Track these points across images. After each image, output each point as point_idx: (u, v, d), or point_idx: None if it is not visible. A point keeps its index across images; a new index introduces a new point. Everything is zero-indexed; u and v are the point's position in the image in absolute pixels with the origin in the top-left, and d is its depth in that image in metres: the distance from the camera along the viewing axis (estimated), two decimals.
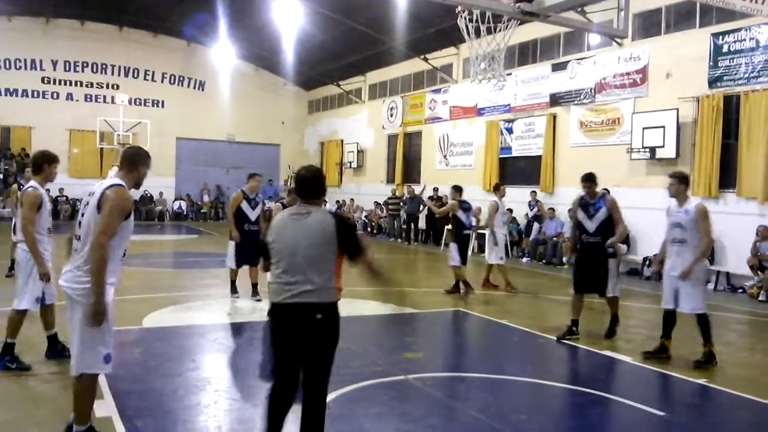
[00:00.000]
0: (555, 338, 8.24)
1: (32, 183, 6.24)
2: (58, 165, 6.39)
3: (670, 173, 7.72)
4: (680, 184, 7.31)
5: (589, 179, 8.32)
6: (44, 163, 6.26)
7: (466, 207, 11.99)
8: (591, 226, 8.23)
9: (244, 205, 10.26)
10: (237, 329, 8.60)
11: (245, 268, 10.33)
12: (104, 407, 5.21)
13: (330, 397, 5.65)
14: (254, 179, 10.46)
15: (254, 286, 10.35)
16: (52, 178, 6.29)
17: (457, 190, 11.97)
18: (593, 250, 8.18)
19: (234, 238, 10.24)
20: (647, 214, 15.03)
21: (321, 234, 3.97)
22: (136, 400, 5.53)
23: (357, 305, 10.32)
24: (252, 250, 9.66)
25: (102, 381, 5.83)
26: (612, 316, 8.41)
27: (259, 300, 10.07)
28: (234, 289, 10.48)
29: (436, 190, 21.18)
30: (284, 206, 9.19)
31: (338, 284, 4.05)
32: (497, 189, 12.83)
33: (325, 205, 6.50)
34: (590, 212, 8.27)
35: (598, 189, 8.47)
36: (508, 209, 18.88)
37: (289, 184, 31.94)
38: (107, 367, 4.31)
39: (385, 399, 5.79)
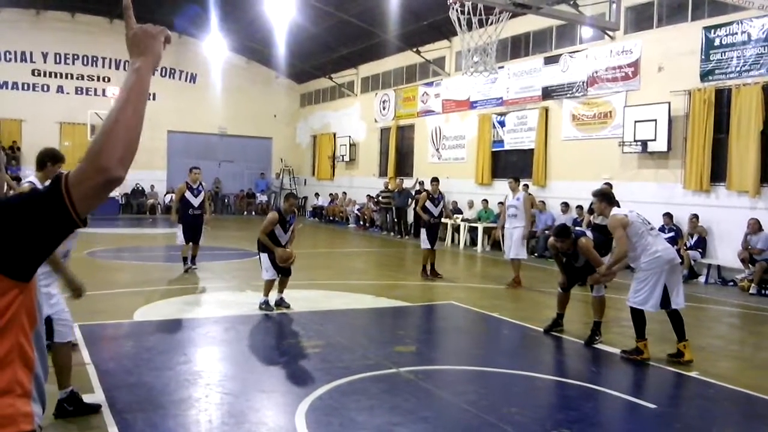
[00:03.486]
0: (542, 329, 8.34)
1: (31, 178, 5.94)
2: (62, 165, 6.25)
3: (592, 192, 7.95)
4: (600, 202, 7.51)
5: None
6: (48, 161, 5.95)
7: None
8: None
9: (188, 194, 12.17)
10: (228, 322, 8.57)
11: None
12: (95, 401, 5.18)
13: (322, 390, 5.67)
14: (193, 173, 12.43)
15: (193, 258, 12.30)
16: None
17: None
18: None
19: (174, 220, 12.46)
20: (639, 208, 15.04)
21: None
22: (127, 394, 5.51)
23: (347, 298, 10.33)
24: (195, 230, 12.09)
25: (92, 374, 5.83)
26: (594, 323, 7.88)
27: (195, 268, 12.19)
28: (186, 262, 12.23)
29: (422, 183, 21.14)
30: (280, 214, 9.03)
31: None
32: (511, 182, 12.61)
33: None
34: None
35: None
36: (499, 202, 18.95)
37: (281, 177, 31.93)
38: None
39: (376, 392, 5.79)
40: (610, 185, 12.99)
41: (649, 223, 7.43)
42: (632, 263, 7.47)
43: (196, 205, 12.16)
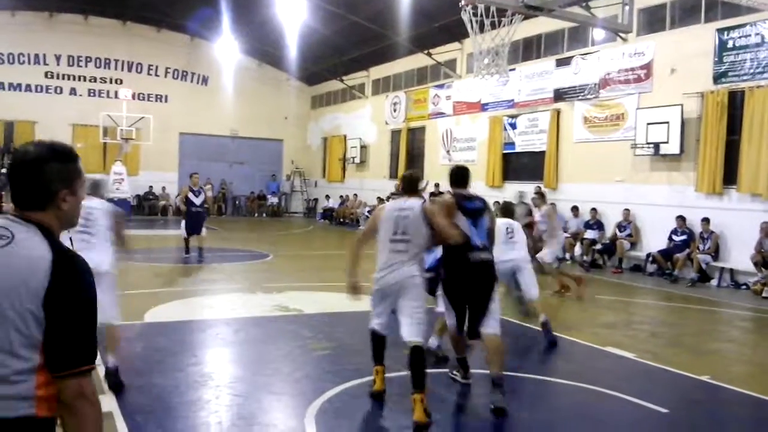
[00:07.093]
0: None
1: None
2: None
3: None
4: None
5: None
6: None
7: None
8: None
9: (190, 195, 14.50)
10: (239, 324, 8.59)
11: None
12: (105, 402, 5.20)
13: (331, 392, 5.66)
14: (193, 177, 14.91)
15: (200, 250, 14.23)
16: None
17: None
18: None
19: (184, 215, 14.70)
20: (651, 210, 15.03)
21: (18, 284, 1.86)
22: (137, 396, 5.52)
23: (358, 300, 10.30)
24: (196, 223, 14.29)
25: (103, 376, 5.84)
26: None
27: (201, 261, 13.88)
28: (187, 251, 14.44)
29: (437, 185, 21.10)
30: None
31: (40, 389, 1.88)
32: None
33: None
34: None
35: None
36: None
37: (291, 179, 31.99)
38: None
39: (386, 394, 5.77)
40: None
41: (402, 235, 5.57)
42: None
43: (198, 204, 14.51)
